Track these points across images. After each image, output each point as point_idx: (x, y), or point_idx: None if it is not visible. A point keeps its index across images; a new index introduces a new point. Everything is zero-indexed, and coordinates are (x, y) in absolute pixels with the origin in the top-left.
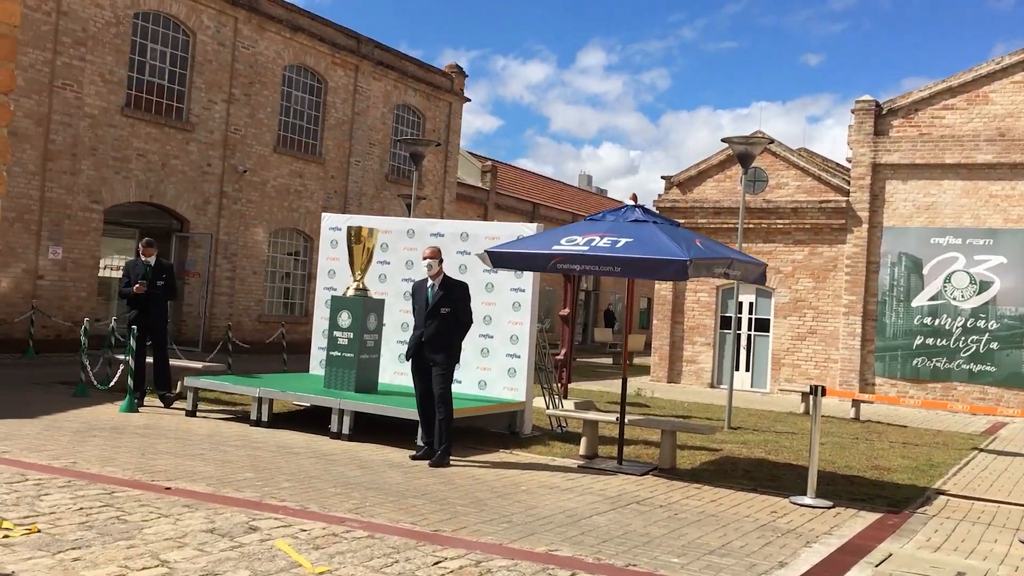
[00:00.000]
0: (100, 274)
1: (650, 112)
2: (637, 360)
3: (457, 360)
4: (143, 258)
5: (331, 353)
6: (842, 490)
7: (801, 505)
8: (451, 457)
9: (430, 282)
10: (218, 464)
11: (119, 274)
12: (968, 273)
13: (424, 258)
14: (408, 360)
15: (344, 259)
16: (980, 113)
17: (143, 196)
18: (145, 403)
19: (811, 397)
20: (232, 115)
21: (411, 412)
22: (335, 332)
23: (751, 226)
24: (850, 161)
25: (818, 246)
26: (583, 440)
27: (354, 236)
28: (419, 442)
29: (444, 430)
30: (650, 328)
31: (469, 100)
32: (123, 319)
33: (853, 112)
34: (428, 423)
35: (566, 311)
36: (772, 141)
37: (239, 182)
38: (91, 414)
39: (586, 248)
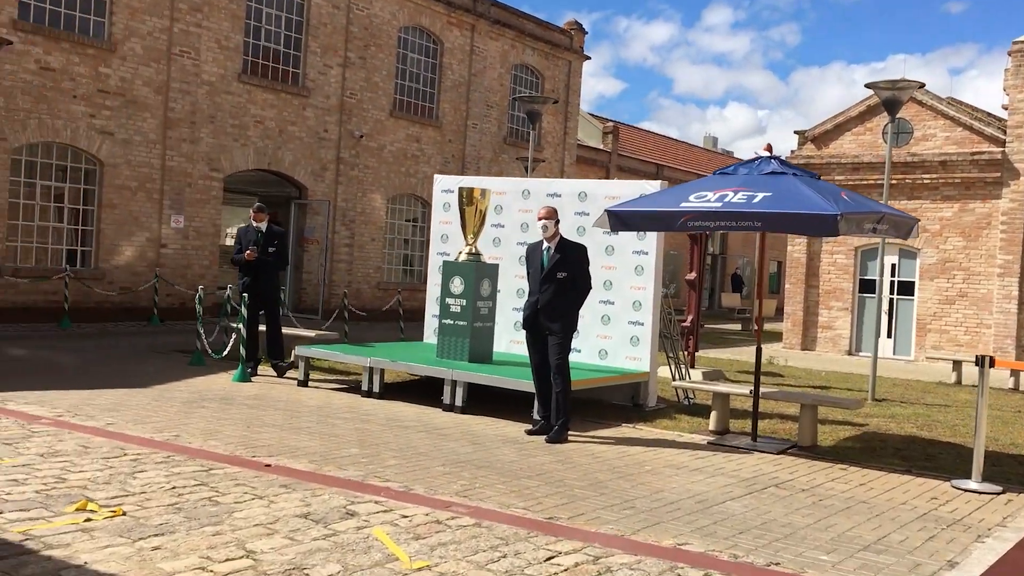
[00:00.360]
0: (221, 242)
1: (779, 69)
2: (767, 326)
3: (575, 328)
4: (254, 224)
5: (443, 321)
6: (1011, 472)
7: (965, 490)
8: (569, 432)
9: (545, 245)
10: (324, 438)
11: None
12: None
13: (539, 219)
14: (524, 329)
15: (456, 223)
16: None
17: (261, 163)
18: (259, 372)
19: (979, 368)
20: (348, 79)
21: (527, 384)
22: (447, 299)
23: (894, 182)
24: (1006, 108)
25: (969, 202)
26: (713, 414)
27: (465, 198)
28: (535, 416)
29: (562, 403)
30: (781, 292)
31: (589, 58)
32: (236, 287)
33: (1010, 54)
34: (544, 396)
35: (692, 275)
36: (923, 85)
37: (356, 147)
38: (204, 383)
39: (719, 204)
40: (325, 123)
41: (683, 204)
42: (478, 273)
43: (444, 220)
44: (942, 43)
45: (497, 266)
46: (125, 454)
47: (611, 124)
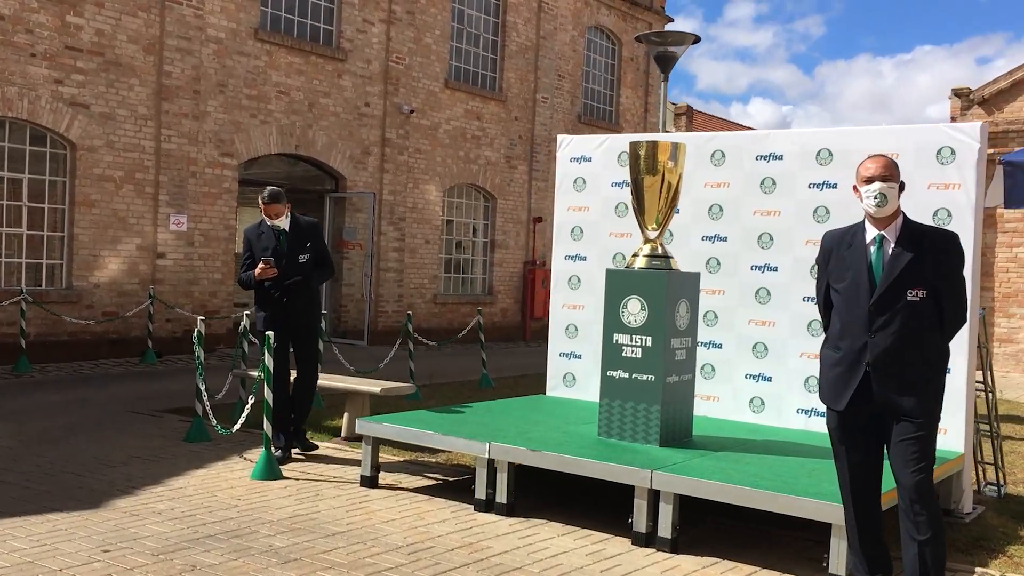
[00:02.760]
0: (237, 249)
1: (804, 63)
2: None
3: (941, 404)
4: (268, 220)
5: (610, 374)
6: None
7: None
8: None
9: (872, 234)
10: None
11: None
12: None
13: (869, 179)
14: (827, 405)
15: (599, 208)
16: None
17: (287, 147)
18: (293, 455)
19: None
20: (393, 39)
21: (817, 506)
22: (616, 336)
23: None
24: None
25: None
26: None
27: (645, 163)
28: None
29: (931, 560)
30: None
31: (672, 20)
32: (253, 320)
33: None
34: (870, 535)
35: None
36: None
37: (405, 126)
38: (203, 483)
39: None
40: (366, 95)
41: None
42: (672, 289)
43: (575, 205)
44: (969, 33)
45: (698, 276)
46: None
47: (684, 105)
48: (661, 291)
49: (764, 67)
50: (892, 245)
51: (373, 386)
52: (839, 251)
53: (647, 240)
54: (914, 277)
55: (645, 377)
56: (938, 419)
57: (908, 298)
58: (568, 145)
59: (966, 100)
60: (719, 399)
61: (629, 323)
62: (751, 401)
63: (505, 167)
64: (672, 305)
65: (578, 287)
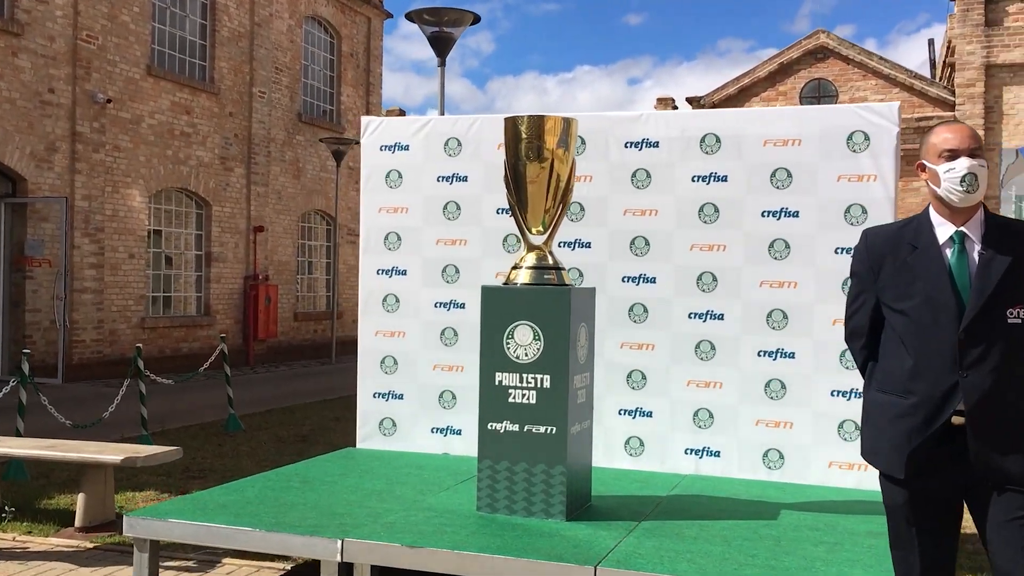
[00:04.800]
0: None
1: (476, 78)
2: None
3: None
4: None
5: (492, 427)
6: None
7: None
8: None
9: (943, 231)
10: None
11: None
12: None
13: (954, 153)
14: (890, 473)
15: (421, 208)
16: None
17: None
18: None
19: None
20: (82, 14)
21: None
22: (499, 376)
23: None
24: (951, 65)
25: (912, 180)
26: None
27: (528, 146)
28: None
29: None
30: None
31: (391, 16)
32: None
33: None
34: None
35: None
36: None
37: (100, 118)
38: None
39: None
40: (50, 79)
41: None
42: (576, 312)
43: (388, 206)
44: (623, 55)
45: (594, 292)
46: None
47: (395, 109)
48: (563, 314)
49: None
50: (978, 246)
51: (115, 453)
52: (897, 256)
53: (531, 247)
54: (1014, 290)
55: (543, 429)
56: None
57: (1009, 320)
58: (377, 130)
59: (697, 106)
60: None
61: (518, 358)
62: (627, 442)
63: (220, 169)
64: (573, 332)
65: (396, 309)
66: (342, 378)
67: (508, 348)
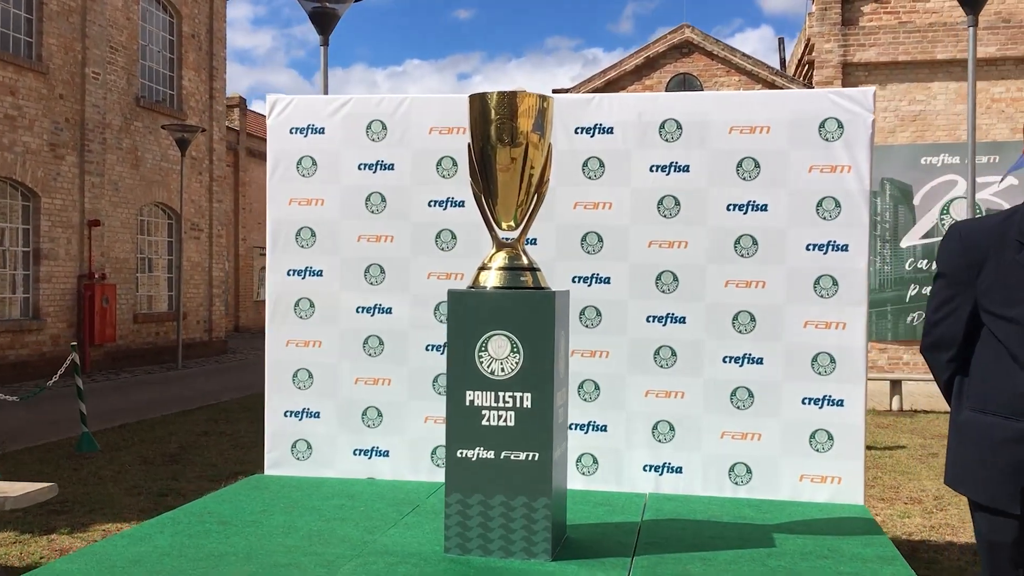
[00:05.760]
0: None
1: (303, 69)
2: None
3: None
4: None
5: (462, 454)
6: None
7: None
8: None
9: None
10: None
11: None
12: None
13: None
14: (995, 505)
15: (339, 200)
16: None
17: None
18: None
19: None
20: None
21: None
22: (469, 395)
23: None
24: (810, 63)
25: None
26: None
27: (499, 128)
28: None
29: None
30: None
31: None
32: None
33: None
34: None
35: None
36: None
37: None
38: None
39: None
40: None
41: None
42: (559, 319)
43: (301, 198)
44: (452, 50)
45: (568, 295)
46: None
47: (236, 96)
48: (545, 322)
49: (264, 70)
50: None
51: None
52: (1003, 254)
53: (501, 245)
54: None
55: (524, 456)
56: None
57: None
58: (285, 109)
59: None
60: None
61: (492, 373)
62: (579, 460)
63: (50, 157)
64: (554, 342)
65: (310, 315)
66: (195, 385)
67: (481, 362)
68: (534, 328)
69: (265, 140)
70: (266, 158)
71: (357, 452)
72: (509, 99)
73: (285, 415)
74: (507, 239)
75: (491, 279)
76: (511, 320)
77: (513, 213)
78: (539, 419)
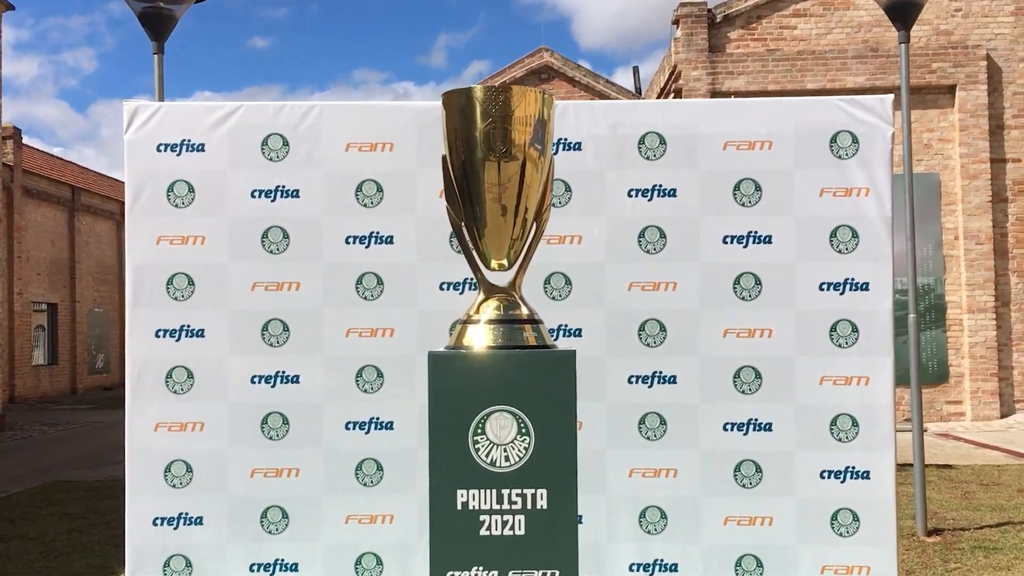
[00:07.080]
0: None
1: (76, 100)
2: None
3: None
4: None
5: None
6: None
7: None
8: None
9: None
10: None
11: None
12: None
13: None
14: None
15: (225, 238)
16: (842, 21)
17: None
18: None
19: None
20: None
21: None
22: (462, 494)
23: None
24: (677, 91)
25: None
26: None
27: (485, 140)
28: None
29: None
30: None
31: (13, 7)
32: None
33: (676, 22)
34: None
35: None
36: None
37: None
38: None
39: None
40: None
41: None
42: (570, 395)
43: (173, 235)
44: (249, 81)
45: (574, 354)
46: None
47: (10, 126)
48: (564, 392)
49: (29, 101)
50: None
51: None
52: None
53: (490, 292)
54: None
55: (542, 573)
56: None
57: None
58: (150, 120)
59: None
60: None
61: (494, 464)
62: None
63: None
64: (565, 423)
65: (188, 389)
66: None
67: (477, 450)
68: (549, 400)
69: (44, 178)
70: (45, 198)
71: (255, 568)
72: (503, 99)
73: (155, 523)
74: (499, 282)
75: (481, 336)
76: (517, 391)
77: (506, 249)
78: (561, 523)
